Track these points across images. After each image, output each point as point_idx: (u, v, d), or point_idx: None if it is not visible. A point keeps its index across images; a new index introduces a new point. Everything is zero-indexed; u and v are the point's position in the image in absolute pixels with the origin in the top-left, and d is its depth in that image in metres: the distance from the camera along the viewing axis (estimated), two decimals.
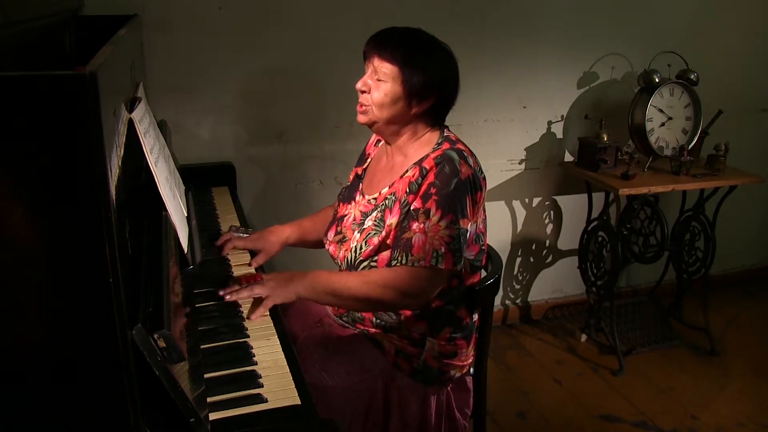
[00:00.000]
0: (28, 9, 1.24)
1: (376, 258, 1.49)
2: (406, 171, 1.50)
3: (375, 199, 1.55)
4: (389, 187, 1.52)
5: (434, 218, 1.40)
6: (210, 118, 2.25)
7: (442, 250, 1.40)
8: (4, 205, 0.73)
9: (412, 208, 1.43)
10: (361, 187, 1.64)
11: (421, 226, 1.41)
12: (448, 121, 1.58)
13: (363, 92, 1.49)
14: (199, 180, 2.12)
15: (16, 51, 1.14)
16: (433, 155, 1.46)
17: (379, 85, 1.46)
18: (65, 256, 0.75)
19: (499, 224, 2.81)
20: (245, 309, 1.43)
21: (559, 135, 2.76)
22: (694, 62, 2.59)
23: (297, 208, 2.38)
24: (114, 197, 0.77)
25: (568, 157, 2.80)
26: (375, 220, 1.51)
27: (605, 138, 2.56)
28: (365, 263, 1.50)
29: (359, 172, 1.69)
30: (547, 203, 2.88)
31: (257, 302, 1.43)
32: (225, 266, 1.65)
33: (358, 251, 1.51)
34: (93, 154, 0.72)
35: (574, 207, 2.89)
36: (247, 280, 1.46)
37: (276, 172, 2.39)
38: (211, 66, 2.19)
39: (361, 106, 1.50)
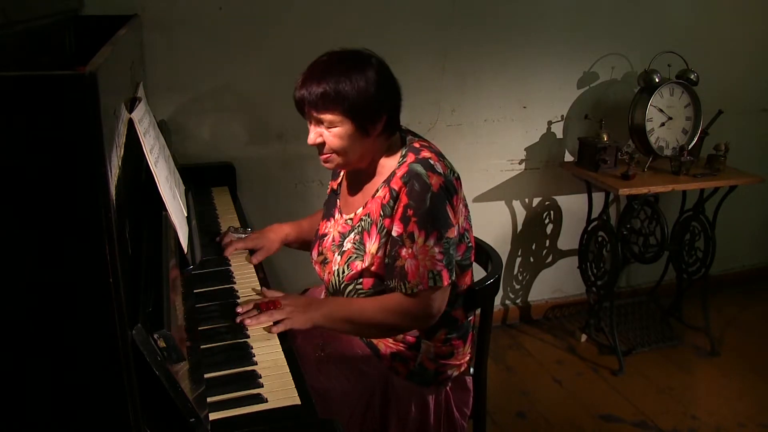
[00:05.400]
0: (28, 9, 1.24)
1: (360, 281, 1.47)
2: (377, 191, 1.46)
3: (351, 219, 1.53)
4: (363, 208, 1.50)
5: (420, 240, 1.38)
6: (210, 118, 2.25)
7: (438, 268, 1.38)
8: (3, 205, 0.73)
9: (395, 234, 1.40)
10: (339, 204, 1.62)
11: (410, 251, 1.38)
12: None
13: (319, 144, 1.44)
14: (199, 180, 2.12)
15: (16, 51, 1.14)
16: (399, 173, 1.41)
17: (330, 131, 1.41)
18: (65, 256, 0.75)
19: (499, 224, 2.81)
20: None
21: (559, 135, 2.76)
22: (694, 62, 2.59)
23: (297, 208, 2.38)
24: (114, 197, 0.77)
25: (568, 157, 2.80)
26: (354, 243, 1.49)
27: (605, 138, 2.56)
28: (350, 287, 1.48)
29: (335, 187, 1.67)
30: (547, 203, 2.88)
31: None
32: (225, 266, 1.65)
33: (340, 275, 1.49)
34: (93, 154, 0.72)
35: (574, 207, 2.89)
36: (266, 306, 1.43)
37: (276, 172, 2.39)
38: (211, 66, 2.19)
39: (323, 154, 1.45)
